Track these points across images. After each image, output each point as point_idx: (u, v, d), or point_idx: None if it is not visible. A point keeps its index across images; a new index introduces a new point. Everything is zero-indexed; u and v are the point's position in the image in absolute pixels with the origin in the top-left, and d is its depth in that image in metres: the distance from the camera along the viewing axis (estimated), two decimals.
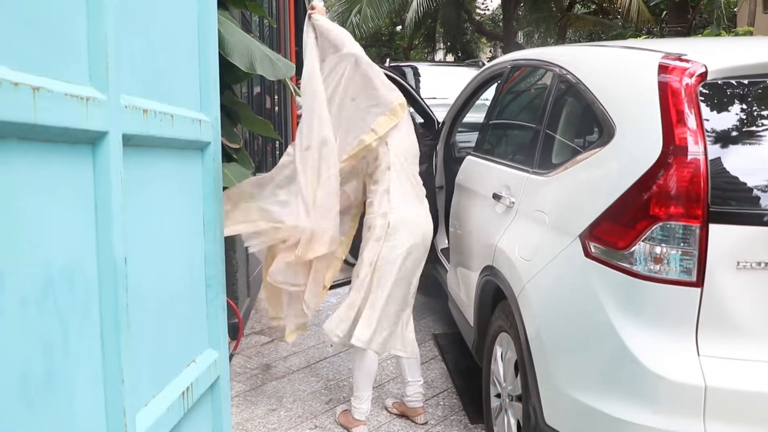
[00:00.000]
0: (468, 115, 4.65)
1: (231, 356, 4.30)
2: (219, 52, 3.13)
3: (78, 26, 1.12)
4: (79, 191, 1.13)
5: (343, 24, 19.72)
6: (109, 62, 1.18)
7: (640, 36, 13.59)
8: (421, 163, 4.51)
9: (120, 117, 1.22)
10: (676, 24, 11.64)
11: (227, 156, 3.84)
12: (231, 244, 4.47)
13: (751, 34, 9.46)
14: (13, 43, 0.93)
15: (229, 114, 3.90)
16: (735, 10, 13.72)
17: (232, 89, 4.02)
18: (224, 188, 3.43)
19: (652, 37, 14.20)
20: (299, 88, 3.54)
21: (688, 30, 11.87)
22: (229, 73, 3.50)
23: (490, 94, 4.20)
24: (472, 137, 4.24)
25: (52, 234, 1.05)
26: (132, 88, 1.32)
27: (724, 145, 2.00)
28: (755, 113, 2.11)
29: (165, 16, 1.56)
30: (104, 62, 1.16)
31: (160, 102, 1.46)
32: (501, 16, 21.97)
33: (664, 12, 14.76)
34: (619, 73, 2.42)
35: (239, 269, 4.67)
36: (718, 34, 9.91)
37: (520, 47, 18.90)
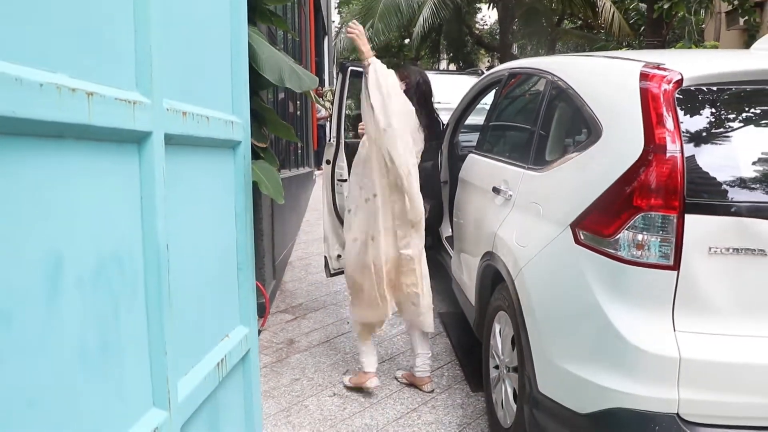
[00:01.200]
0: (469, 117, 4.63)
1: (259, 332, 4.32)
2: (252, 66, 3.15)
3: (126, 38, 1.13)
4: (126, 185, 1.14)
5: None
6: (153, 70, 1.18)
7: (621, 48, 13.51)
8: (426, 160, 4.53)
9: (162, 119, 1.22)
10: (652, 38, 11.55)
11: (255, 154, 3.85)
12: (259, 232, 4.48)
13: (716, 47, 9.39)
14: (70, 53, 0.94)
15: (256, 117, 3.90)
16: (703, 26, 13.62)
17: (259, 95, 4.02)
18: (252, 182, 3.45)
19: (632, 50, 14.10)
20: (320, 97, 3.55)
21: (663, 43, 11.78)
22: (256, 80, 3.51)
23: (489, 99, 4.18)
24: (473, 137, 4.23)
25: (104, 223, 1.05)
26: (173, 93, 1.32)
27: (698, 145, 1.99)
28: (725, 116, 2.10)
29: (202, 28, 1.56)
30: (149, 70, 1.16)
31: (197, 105, 1.47)
32: (498, 30, 21.84)
33: (642, 27, 14.65)
34: (605, 80, 2.41)
35: (266, 255, 4.69)
36: (690, 48, 9.85)
37: (514, 57, 18.79)
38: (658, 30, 11.64)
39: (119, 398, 1.11)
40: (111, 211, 1.08)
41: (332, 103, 4.48)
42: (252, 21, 3.74)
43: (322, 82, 16.90)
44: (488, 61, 28.40)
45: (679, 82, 2.03)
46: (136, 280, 1.17)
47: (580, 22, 21.18)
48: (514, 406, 2.58)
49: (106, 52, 1.05)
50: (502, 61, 18.00)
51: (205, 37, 1.59)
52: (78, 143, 0.96)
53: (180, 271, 1.37)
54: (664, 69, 2.10)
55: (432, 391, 3.41)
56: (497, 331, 2.87)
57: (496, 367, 2.89)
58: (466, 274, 3.54)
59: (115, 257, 1.09)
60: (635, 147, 1.98)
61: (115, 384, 1.09)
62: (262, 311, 4.38)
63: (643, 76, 2.11)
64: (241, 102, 1.82)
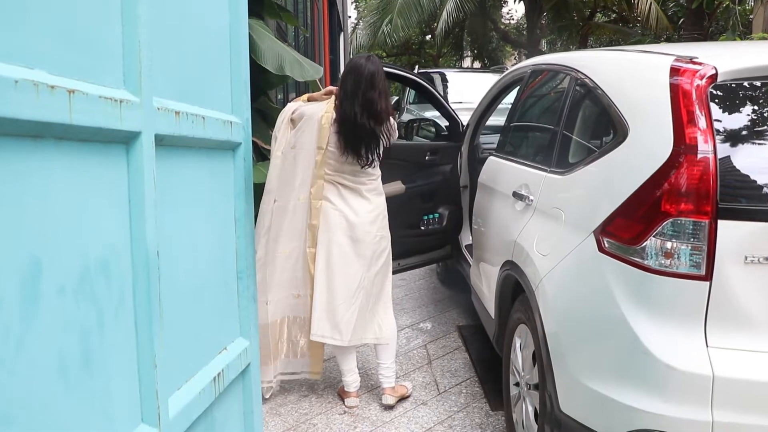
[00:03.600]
0: (491, 117, 4.62)
1: None
2: (251, 57, 3.17)
3: (113, 32, 1.14)
4: (113, 187, 1.14)
5: (374, 34, 19.79)
6: (143, 67, 1.19)
7: (658, 43, 13.38)
8: (445, 163, 4.52)
9: (152, 118, 1.23)
10: (692, 31, 11.41)
11: (263, 156, 3.88)
12: None
13: (765, 39, 9.25)
14: (51, 48, 0.95)
15: (264, 117, 3.93)
16: (750, 17, 13.45)
17: (267, 95, 4.05)
18: (259, 184, 3.47)
19: (669, 44, 13.96)
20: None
21: (704, 36, 11.64)
22: (263, 79, 3.54)
23: (510, 98, 4.17)
24: (495, 139, 4.22)
25: (88, 227, 1.06)
26: (165, 91, 1.33)
27: (733, 144, 1.96)
28: (763, 114, 2.06)
29: (198, 23, 1.57)
30: (138, 67, 1.17)
31: (193, 104, 1.48)
32: (525, 25, 21.79)
33: (682, 19, 14.51)
34: (633, 76, 2.39)
35: None
36: (734, 41, 9.73)
37: (543, 54, 18.74)
38: (699, 22, 11.50)
39: (104, 413, 1.11)
40: (96, 215, 1.09)
41: None
42: (259, 15, 3.77)
43: (337, 80, 16.95)
44: (514, 58, 28.36)
45: (713, 77, 2.00)
46: (123, 288, 1.18)
47: (614, 15, 21.07)
48: (536, 427, 2.55)
49: (91, 47, 1.06)
50: (529, 59, 17.95)
51: (202, 32, 1.60)
52: (59, 143, 0.96)
53: (172, 279, 1.37)
54: (697, 63, 2.07)
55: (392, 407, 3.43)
56: (517, 345, 2.84)
57: (517, 384, 2.87)
58: (486, 284, 3.52)
59: (100, 264, 1.10)
60: (664, 148, 1.95)
61: (100, 398, 1.10)
62: None
63: (674, 71, 2.08)
64: (240, 101, 1.82)
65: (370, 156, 3.23)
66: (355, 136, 3.18)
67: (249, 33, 2.71)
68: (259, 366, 2.03)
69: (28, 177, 0.90)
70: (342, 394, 3.53)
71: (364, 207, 3.32)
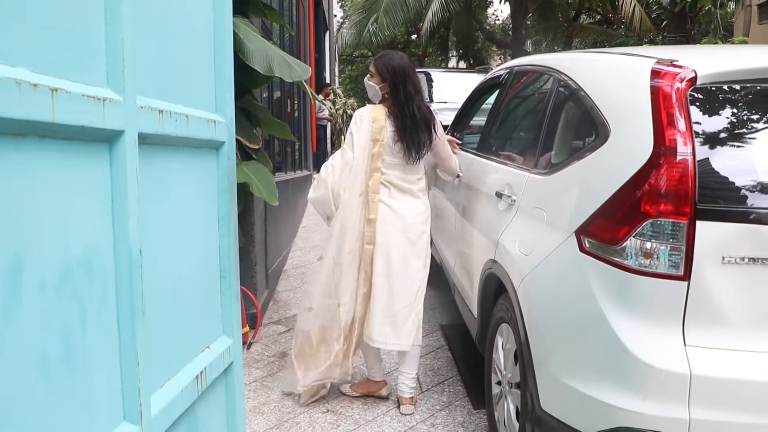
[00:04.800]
0: (474, 117, 4.64)
1: (250, 344, 4.33)
2: (239, 58, 3.17)
3: (96, 30, 1.14)
4: (96, 186, 1.14)
5: (360, 32, 19.78)
6: (126, 65, 1.19)
7: (642, 45, 13.48)
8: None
9: (136, 117, 1.23)
10: (675, 34, 11.52)
11: (248, 156, 3.87)
12: (250, 239, 4.49)
13: (746, 43, 9.37)
14: (33, 46, 0.95)
15: (248, 116, 3.93)
16: (732, 20, 13.58)
17: (252, 93, 4.04)
18: (242, 184, 3.47)
19: (653, 46, 14.07)
20: (326, 97, 3.59)
21: (687, 39, 11.75)
22: (248, 77, 3.53)
23: (492, 98, 4.19)
24: (477, 138, 4.24)
25: (71, 225, 1.06)
26: (148, 89, 1.33)
27: (712, 147, 1.99)
28: (742, 116, 2.09)
29: (181, 20, 1.57)
30: (120, 65, 1.17)
31: (176, 103, 1.47)
32: (510, 26, 21.86)
33: (665, 22, 14.63)
34: (614, 78, 2.41)
35: (258, 263, 4.70)
36: (716, 44, 9.84)
37: (527, 55, 18.82)
38: (681, 25, 11.62)
39: (85, 411, 1.11)
40: (79, 213, 1.09)
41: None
42: (244, 13, 3.77)
43: (323, 79, 16.93)
44: (500, 59, 28.45)
45: (693, 79, 2.04)
46: (105, 286, 1.18)
47: (598, 17, 21.22)
48: (517, 425, 2.58)
49: (74, 45, 1.06)
50: (514, 59, 18.01)
51: (185, 30, 1.60)
52: (41, 142, 0.96)
53: (155, 277, 1.37)
54: (677, 66, 2.10)
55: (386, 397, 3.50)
56: (499, 344, 2.87)
57: (499, 383, 2.89)
58: (468, 283, 3.55)
59: (82, 262, 1.10)
60: (644, 149, 1.98)
61: (81, 396, 1.10)
62: (254, 322, 4.39)
63: (655, 74, 2.11)
64: (224, 100, 1.82)
65: (424, 149, 3.33)
66: (414, 130, 3.25)
67: (236, 33, 2.70)
68: (242, 365, 2.03)
69: (9, 175, 0.90)
70: (370, 390, 3.55)
71: (417, 207, 3.36)
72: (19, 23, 0.91)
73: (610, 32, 19.49)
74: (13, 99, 0.86)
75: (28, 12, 0.94)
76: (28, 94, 0.89)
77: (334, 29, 22.83)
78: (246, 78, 3.49)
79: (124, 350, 1.24)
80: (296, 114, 9.81)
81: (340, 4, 27.95)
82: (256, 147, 3.89)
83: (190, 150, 1.61)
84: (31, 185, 0.95)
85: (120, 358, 1.23)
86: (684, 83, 2.03)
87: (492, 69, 10.87)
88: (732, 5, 12.90)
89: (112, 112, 1.13)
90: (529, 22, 20.55)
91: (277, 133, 4.33)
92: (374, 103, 3.41)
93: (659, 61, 2.17)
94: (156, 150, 1.37)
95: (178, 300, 1.54)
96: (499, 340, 2.88)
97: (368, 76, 3.38)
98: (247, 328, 4.24)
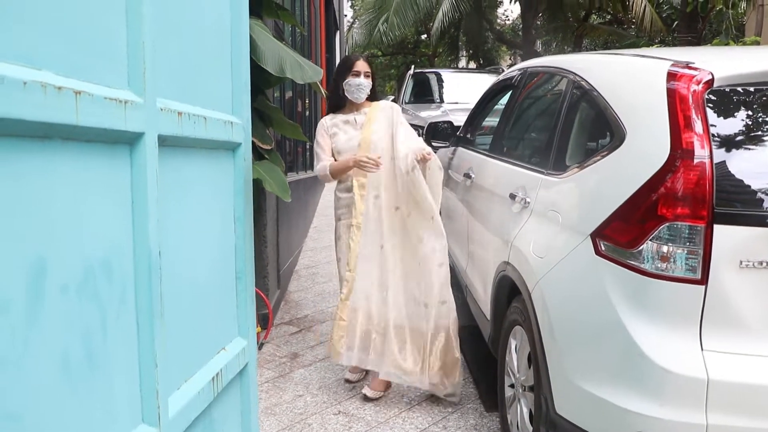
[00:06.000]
0: (486, 118, 4.64)
1: (261, 345, 4.34)
2: (252, 58, 3.17)
3: (118, 34, 1.14)
4: (117, 188, 1.15)
5: (370, 32, 19.79)
6: (147, 68, 1.19)
7: (653, 45, 13.43)
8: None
9: (156, 119, 1.24)
10: (686, 34, 11.47)
11: (260, 156, 3.88)
12: (262, 239, 4.50)
13: (758, 43, 9.30)
14: (57, 49, 0.95)
15: (261, 117, 3.93)
16: (743, 20, 13.49)
17: (264, 94, 4.05)
18: (255, 180, 3.48)
19: (664, 46, 14.00)
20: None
21: (698, 39, 11.69)
22: (261, 78, 3.54)
23: (505, 99, 4.18)
24: (489, 140, 4.23)
25: (92, 227, 1.07)
26: (168, 92, 1.33)
27: (729, 150, 1.98)
28: (759, 119, 2.08)
29: (200, 24, 1.58)
30: (142, 68, 1.18)
31: (194, 105, 1.48)
32: (521, 26, 21.82)
33: (676, 22, 14.56)
34: (630, 80, 2.40)
35: (270, 263, 4.71)
36: (727, 44, 9.78)
37: (538, 55, 18.77)
38: (693, 25, 11.57)
39: (106, 413, 1.12)
40: (100, 215, 1.09)
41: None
42: (257, 14, 3.77)
43: (329, 77, 16.93)
44: (510, 59, 28.40)
45: (710, 82, 2.02)
46: (125, 288, 1.18)
47: (608, 17, 21.15)
48: (531, 428, 2.57)
49: (96, 48, 1.07)
50: (524, 59, 17.99)
51: (203, 33, 1.61)
52: (65, 144, 0.97)
53: (173, 279, 1.38)
54: (694, 68, 2.09)
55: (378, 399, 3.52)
56: (513, 347, 2.86)
57: (512, 385, 2.89)
58: (481, 285, 3.54)
59: (103, 264, 1.10)
60: (661, 152, 1.97)
61: (102, 398, 1.10)
62: (265, 323, 4.39)
63: (671, 76, 2.10)
64: (241, 101, 1.83)
65: None
66: None
67: (249, 34, 2.71)
68: (256, 366, 2.04)
69: (34, 177, 0.90)
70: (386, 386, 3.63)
71: None
72: (42, 26, 0.92)
73: (620, 32, 19.42)
74: (39, 102, 0.87)
75: (51, 15, 0.94)
76: (53, 97, 0.90)
77: (345, 29, 22.86)
78: (259, 78, 3.50)
79: (143, 352, 1.24)
80: (307, 113, 9.83)
81: (350, 3, 27.98)
82: (269, 148, 3.90)
83: (207, 152, 1.62)
84: (54, 188, 0.95)
85: (139, 359, 1.24)
86: (701, 86, 2.02)
87: (502, 69, 10.82)
88: (743, 5, 12.82)
89: (133, 115, 1.14)
90: (539, 22, 20.51)
91: (290, 134, 4.33)
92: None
93: (675, 63, 2.16)
94: (175, 152, 1.38)
95: (194, 301, 1.55)
96: (513, 343, 2.87)
97: (368, 76, 3.54)
98: (258, 329, 4.25)
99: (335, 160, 3.52)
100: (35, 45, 0.90)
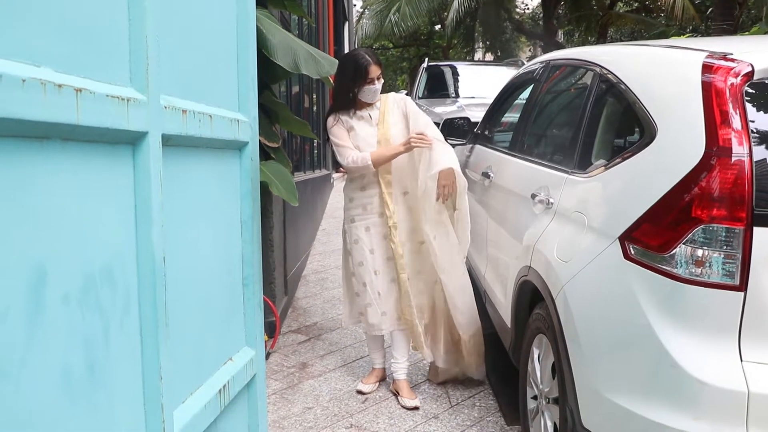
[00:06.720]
0: (506, 114, 4.62)
1: (268, 354, 4.34)
2: (262, 53, 3.18)
3: (120, 29, 1.14)
4: (119, 191, 1.15)
5: (381, 23, 19.79)
6: (150, 64, 1.20)
7: (684, 34, 13.34)
8: None
9: (159, 117, 1.24)
10: (722, 21, 11.35)
11: (266, 154, 3.88)
12: (269, 243, 4.51)
13: None
14: (57, 45, 0.96)
15: (267, 113, 3.94)
16: None
17: (270, 89, 4.05)
18: (261, 183, 3.49)
19: (697, 36, 13.91)
20: None
21: (734, 28, 11.58)
22: (268, 72, 3.54)
23: (526, 93, 4.17)
24: (509, 137, 4.22)
25: (93, 232, 1.07)
26: (172, 89, 1.34)
27: None
28: None
29: (205, 19, 1.58)
30: (144, 64, 1.18)
31: (199, 102, 1.48)
32: (541, 15, 21.78)
33: (710, 9, 14.44)
34: (662, 73, 2.38)
35: (277, 268, 4.71)
36: (767, 32, 9.70)
37: (560, 46, 18.72)
38: (728, 12, 11.43)
39: (108, 428, 1.12)
40: (102, 219, 1.10)
41: None
42: (263, 5, 3.78)
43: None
44: (529, 51, 28.34)
45: (749, 74, 2.00)
46: (128, 297, 1.19)
47: (636, 5, 21.04)
48: None
49: (97, 44, 1.07)
50: (544, 51, 17.95)
51: (208, 28, 1.61)
52: (65, 145, 0.97)
53: (178, 287, 1.38)
54: (732, 60, 2.07)
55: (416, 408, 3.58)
56: (536, 356, 2.85)
57: (535, 397, 2.87)
58: (501, 291, 3.53)
59: (105, 271, 1.11)
60: (695, 150, 1.95)
61: (104, 412, 1.10)
62: (272, 331, 4.40)
63: (706, 68, 2.08)
64: (248, 98, 1.83)
65: None
66: None
67: (258, 26, 2.70)
68: (264, 377, 2.04)
69: (33, 180, 0.90)
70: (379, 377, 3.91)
71: None
72: (41, 21, 0.92)
73: (648, 21, 19.32)
74: (38, 101, 0.87)
75: (50, 9, 0.94)
76: (53, 95, 0.90)
77: (354, 20, 22.88)
78: (266, 72, 3.50)
79: (147, 364, 1.25)
80: (314, 108, 9.85)
81: None
82: (276, 146, 3.91)
83: (212, 151, 1.62)
84: (54, 191, 0.96)
85: (143, 372, 1.24)
86: (739, 78, 1.99)
87: (521, 62, 10.76)
88: None
89: (135, 113, 1.14)
90: (561, 11, 20.46)
91: (297, 131, 4.34)
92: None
93: (711, 54, 2.14)
94: (179, 152, 1.38)
95: (200, 310, 1.55)
96: (535, 352, 2.86)
97: (380, 77, 3.55)
98: (265, 338, 4.26)
99: None
100: (34, 41, 0.91)
